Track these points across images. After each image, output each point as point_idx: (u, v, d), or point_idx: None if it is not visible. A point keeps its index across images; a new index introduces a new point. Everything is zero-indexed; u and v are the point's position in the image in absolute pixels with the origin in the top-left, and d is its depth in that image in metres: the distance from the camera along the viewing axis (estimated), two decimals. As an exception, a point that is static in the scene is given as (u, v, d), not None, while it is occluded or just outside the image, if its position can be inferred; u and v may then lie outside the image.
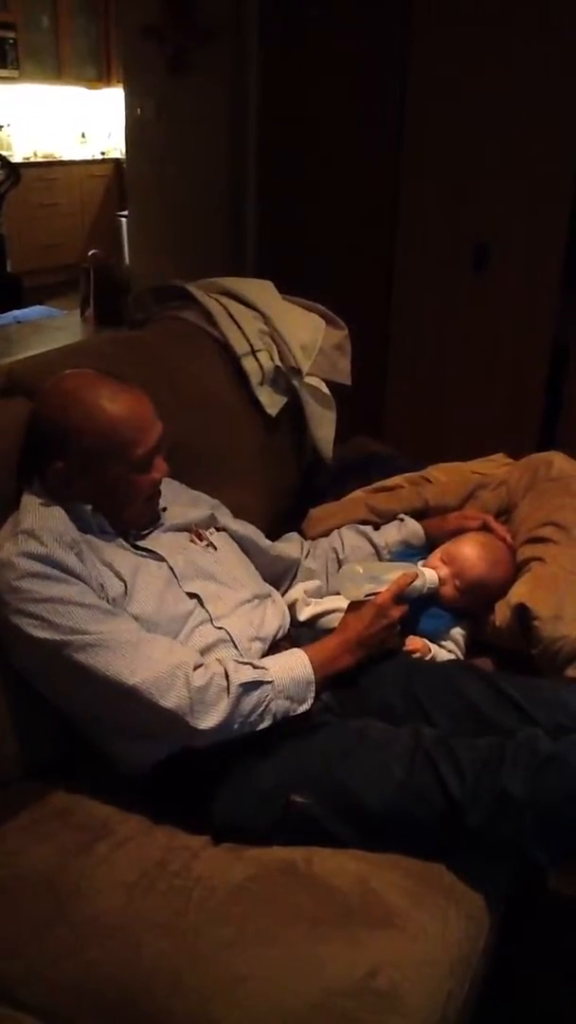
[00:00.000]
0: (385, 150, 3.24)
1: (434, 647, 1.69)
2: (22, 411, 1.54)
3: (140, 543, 1.55)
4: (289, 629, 1.65)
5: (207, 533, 1.67)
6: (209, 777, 1.39)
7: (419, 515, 1.97)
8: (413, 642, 1.66)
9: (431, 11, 3.01)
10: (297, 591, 1.77)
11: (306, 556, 1.90)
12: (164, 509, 1.63)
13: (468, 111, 3.03)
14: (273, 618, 1.61)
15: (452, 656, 1.71)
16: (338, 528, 1.96)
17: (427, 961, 1.17)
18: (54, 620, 1.31)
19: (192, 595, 1.52)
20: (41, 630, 1.32)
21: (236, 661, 1.40)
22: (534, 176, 2.99)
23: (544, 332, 3.15)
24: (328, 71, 3.29)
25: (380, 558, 1.88)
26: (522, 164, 2.99)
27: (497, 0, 2.88)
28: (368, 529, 1.93)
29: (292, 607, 1.72)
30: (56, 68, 7.69)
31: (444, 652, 1.70)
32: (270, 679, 1.38)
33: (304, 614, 1.72)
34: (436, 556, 1.79)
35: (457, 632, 1.75)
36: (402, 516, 1.96)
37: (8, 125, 7.62)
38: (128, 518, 1.53)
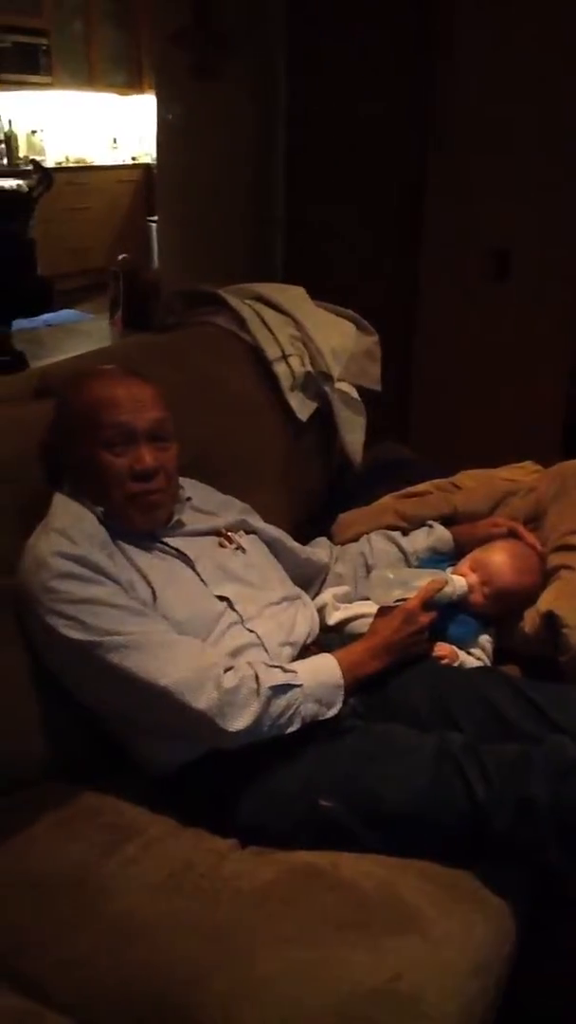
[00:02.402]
0: (412, 155, 3.23)
1: (462, 654, 1.68)
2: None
3: (168, 540, 1.55)
4: (318, 634, 1.66)
5: (236, 536, 1.68)
6: (236, 779, 1.39)
7: (448, 522, 1.96)
8: (441, 648, 1.66)
9: (460, 16, 3.00)
10: (326, 596, 1.78)
11: (335, 561, 1.90)
12: (189, 498, 1.64)
13: (495, 117, 3.02)
14: (303, 622, 1.61)
15: (480, 663, 1.71)
16: (367, 533, 1.96)
17: (451, 967, 1.17)
18: (87, 621, 1.33)
19: (221, 598, 1.52)
20: (74, 631, 1.33)
21: (266, 664, 1.41)
22: (558, 182, 2.98)
23: (568, 337, 3.13)
24: (354, 76, 3.28)
25: (408, 564, 1.88)
26: (547, 170, 2.99)
27: (525, 12, 2.89)
28: (397, 535, 1.93)
29: (321, 611, 1.73)
30: (87, 74, 7.77)
31: (472, 659, 1.70)
32: (299, 683, 1.39)
33: (333, 619, 1.73)
34: (465, 563, 1.79)
35: (485, 639, 1.75)
36: (431, 522, 1.96)
37: (41, 130, 7.69)
38: (120, 513, 1.48)
